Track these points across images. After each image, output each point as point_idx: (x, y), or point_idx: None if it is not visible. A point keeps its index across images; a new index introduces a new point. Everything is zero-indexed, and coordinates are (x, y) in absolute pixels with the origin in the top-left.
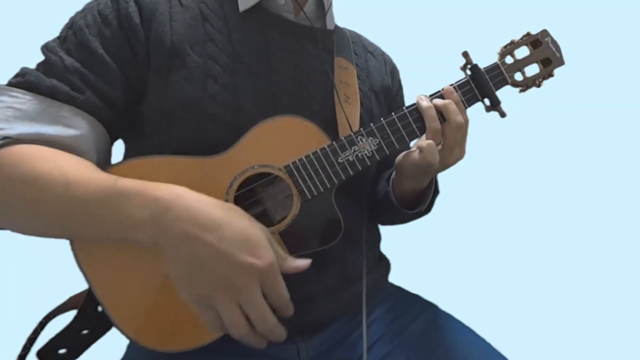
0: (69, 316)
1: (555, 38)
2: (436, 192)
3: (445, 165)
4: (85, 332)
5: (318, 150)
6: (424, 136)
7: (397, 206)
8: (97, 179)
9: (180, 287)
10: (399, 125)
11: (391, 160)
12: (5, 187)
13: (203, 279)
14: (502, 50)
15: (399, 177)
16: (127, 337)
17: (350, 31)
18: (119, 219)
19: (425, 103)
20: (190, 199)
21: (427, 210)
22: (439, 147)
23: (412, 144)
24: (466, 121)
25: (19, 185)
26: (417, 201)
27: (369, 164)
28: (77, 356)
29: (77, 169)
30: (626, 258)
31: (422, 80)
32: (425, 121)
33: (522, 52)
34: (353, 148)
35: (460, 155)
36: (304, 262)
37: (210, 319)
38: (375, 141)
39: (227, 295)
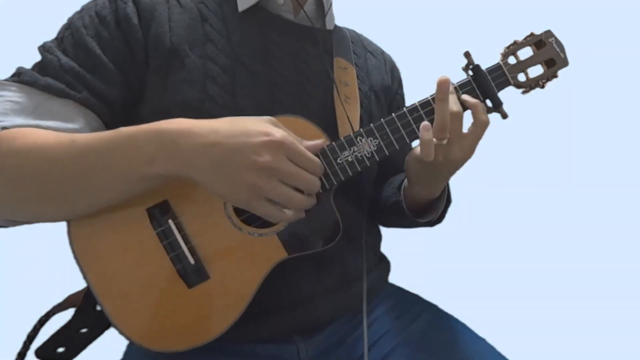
0: (68, 314)
1: (560, 39)
2: (449, 201)
3: (449, 159)
4: (84, 330)
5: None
6: None
7: (409, 215)
8: (101, 133)
9: (225, 197)
10: (399, 124)
11: (393, 162)
12: (9, 160)
13: (236, 177)
14: (504, 50)
15: (411, 184)
16: (126, 337)
17: (349, 30)
18: (132, 159)
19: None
20: (190, 121)
21: (440, 219)
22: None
23: (413, 145)
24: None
25: (24, 155)
26: (429, 210)
27: (368, 164)
28: (76, 355)
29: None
30: (626, 259)
31: (423, 80)
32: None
33: (526, 52)
34: (352, 148)
35: (467, 153)
36: (319, 141)
37: (269, 210)
38: (375, 141)
39: (266, 178)
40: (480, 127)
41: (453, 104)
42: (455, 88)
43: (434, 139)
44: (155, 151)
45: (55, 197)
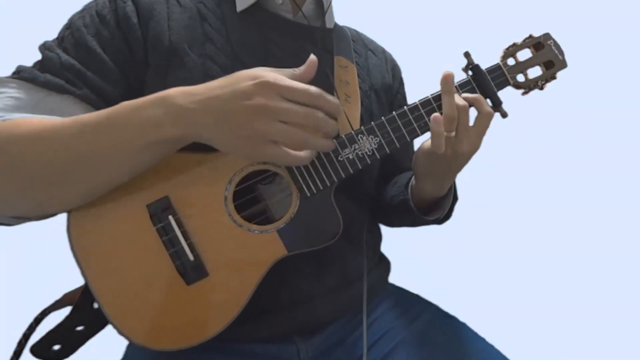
0: (64, 313)
1: (558, 41)
2: (455, 198)
3: (457, 153)
4: (80, 328)
5: None
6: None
7: (416, 213)
8: (104, 110)
9: (234, 149)
10: (400, 123)
11: (395, 162)
12: (11, 147)
13: (235, 126)
14: (504, 52)
15: (419, 181)
16: (123, 335)
17: (350, 29)
18: (138, 126)
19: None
20: (187, 87)
21: (447, 217)
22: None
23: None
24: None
25: (28, 141)
26: (435, 208)
27: (369, 162)
28: (72, 353)
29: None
30: (628, 260)
31: (423, 79)
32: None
33: (525, 54)
34: (353, 146)
35: (475, 145)
36: (311, 58)
37: (274, 152)
38: (376, 139)
39: (262, 120)
40: (485, 118)
41: (459, 99)
42: (455, 87)
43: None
44: (161, 115)
45: (61, 181)
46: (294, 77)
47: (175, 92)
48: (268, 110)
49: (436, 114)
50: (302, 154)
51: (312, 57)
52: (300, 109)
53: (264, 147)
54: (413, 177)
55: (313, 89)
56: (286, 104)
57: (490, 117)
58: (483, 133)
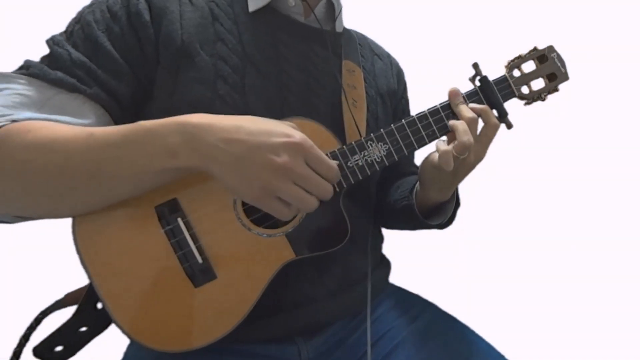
0: (65, 313)
1: (561, 53)
2: (457, 204)
3: (464, 163)
4: (83, 329)
5: (328, 153)
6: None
7: (421, 219)
8: (119, 127)
9: (240, 194)
10: (408, 131)
11: (398, 166)
12: (22, 154)
13: (253, 175)
14: (509, 63)
15: (424, 189)
16: (128, 336)
17: (357, 33)
18: (153, 152)
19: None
20: (211, 116)
21: (450, 221)
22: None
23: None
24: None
25: (38, 149)
26: (437, 212)
27: (378, 169)
28: (74, 354)
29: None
30: (628, 262)
31: (428, 85)
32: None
33: (529, 66)
34: (363, 153)
35: (480, 155)
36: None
37: (279, 208)
38: (385, 147)
39: (280, 179)
40: (491, 129)
41: (467, 111)
42: (463, 97)
43: (455, 153)
44: (178, 143)
45: (70, 193)
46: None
47: (197, 121)
48: (290, 172)
49: (442, 138)
50: (298, 212)
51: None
52: (320, 181)
53: (270, 201)
54: (418, 183)
55: (335, 168)
56: (308, 171)
57: (496, 129)
58: (488, 144)
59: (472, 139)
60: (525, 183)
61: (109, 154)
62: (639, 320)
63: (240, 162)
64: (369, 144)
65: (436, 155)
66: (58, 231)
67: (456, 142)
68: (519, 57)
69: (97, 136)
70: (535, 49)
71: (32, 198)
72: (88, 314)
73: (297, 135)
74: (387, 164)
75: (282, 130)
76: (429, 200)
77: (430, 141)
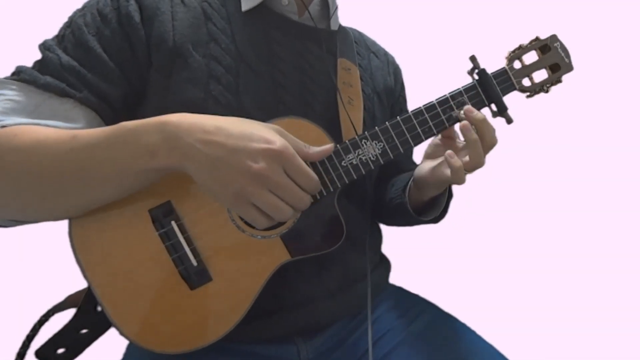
0: (67, 315)
1: (565, 43)
2: (450, 195)
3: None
4: (84, 331)
5: None
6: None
7: (414, 216)
8: (102, 128)
9: (214, 196)
10: (404, 128)
11: (394, 163)
12: (9, 157)
13: (228, 178)
14: (509, 54)
15: (420, 190)
16: (127, 338)
17: (353, 30)
18: (134, 151)
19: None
20: (193, 115)
21: (442, 215)
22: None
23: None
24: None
25: (25, 152)
26: (430, 206)
27: (372, 167)
28: (76, 355)
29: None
30: (628, 262)
31: (426, 82)
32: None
33: (531, 57)
34: (357, 151)
35: (479, 164)
36: (327, 147)
37: (254, 215)
38: (380, 145)
39: (256, 185)
40: (487, 148)
41: (471, 134)
42: (459, 93)
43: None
44: (158, 142)
45: (56, 194)
46: (303, 154)
47: (178, 121)
48: (266, 179)
49: (449, 152)
50: (272, 221)
51: (329, 146)
52: (296, 191)
53: (245, 207)
54: (411, 181)
55: (316, 179)
56: (286, 180)
57: (493, 146)
58: (486, 154)
59: (484, 161)
60: (527, 181)
61: (91, 155)
62: (639, 320)
63: (216, 164)
64: (363, 142)
65: (436, 164)
66: (60, 234)
67: (468, 160)
68: (520, 47)
69: (80, 138)
70: (537, 38)
71: (21, 200)
72: (88, 316)
73: (278, 142)
74: (382, 162)
75: (264, 135)
76: (424, 197)
77: (426, 138)
